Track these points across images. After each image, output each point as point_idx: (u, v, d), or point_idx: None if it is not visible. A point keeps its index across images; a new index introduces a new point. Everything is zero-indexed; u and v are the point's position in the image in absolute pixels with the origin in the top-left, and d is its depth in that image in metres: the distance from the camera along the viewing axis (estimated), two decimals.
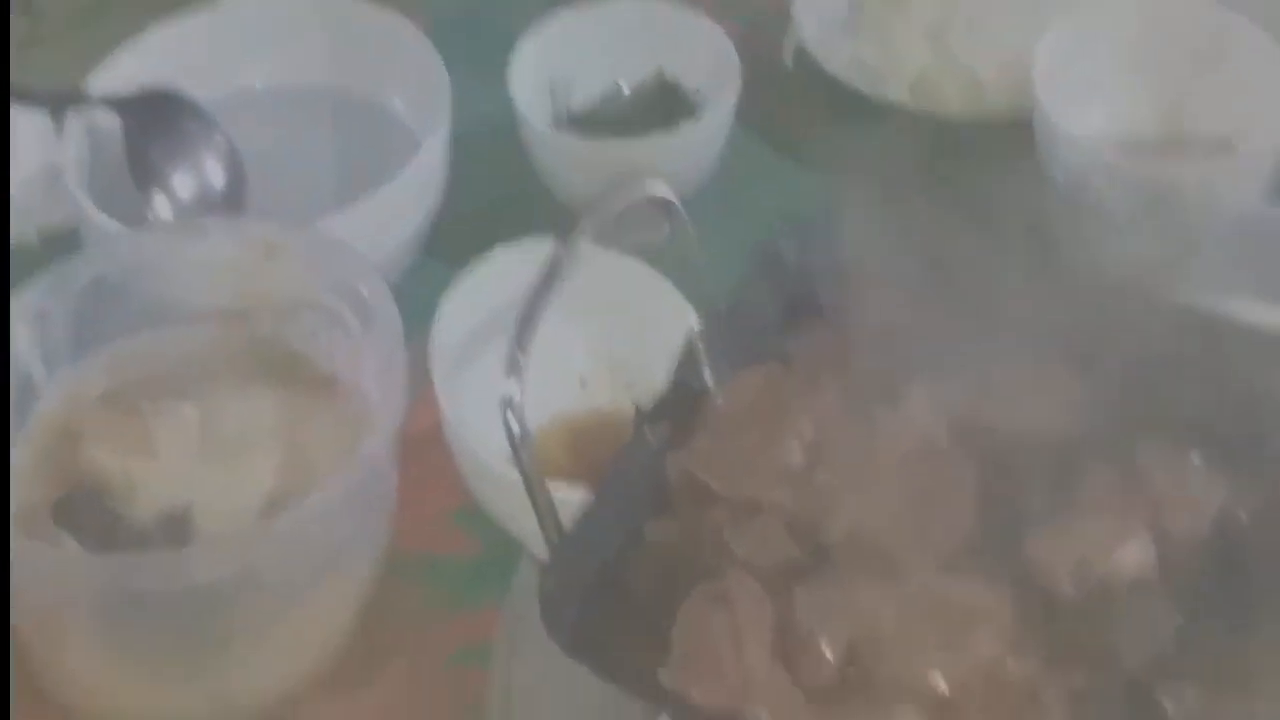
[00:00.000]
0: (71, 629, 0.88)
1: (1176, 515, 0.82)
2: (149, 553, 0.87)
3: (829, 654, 0.78)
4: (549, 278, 0.82)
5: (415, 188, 1.08)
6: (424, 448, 0.96)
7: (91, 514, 0.89)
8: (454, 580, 0.98)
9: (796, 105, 1.24)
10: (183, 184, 1.08)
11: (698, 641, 0.79)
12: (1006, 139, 1.15)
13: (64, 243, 1.08)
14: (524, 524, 0.84)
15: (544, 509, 0.82)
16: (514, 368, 0.80)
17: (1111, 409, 0.86)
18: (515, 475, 0.81)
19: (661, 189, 0.87)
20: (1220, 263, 0.93)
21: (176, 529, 0.90)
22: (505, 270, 0.98)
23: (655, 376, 0.91)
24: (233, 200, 1.10)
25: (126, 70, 1.14)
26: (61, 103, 1.09)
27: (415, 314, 0.96)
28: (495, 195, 1.17)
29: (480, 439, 0.91)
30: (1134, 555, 0.80)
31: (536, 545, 0.84)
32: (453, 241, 1.08)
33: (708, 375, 0.90)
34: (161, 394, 0.95)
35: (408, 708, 0.92)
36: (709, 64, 1.18)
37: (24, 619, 0.89)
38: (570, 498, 0.83)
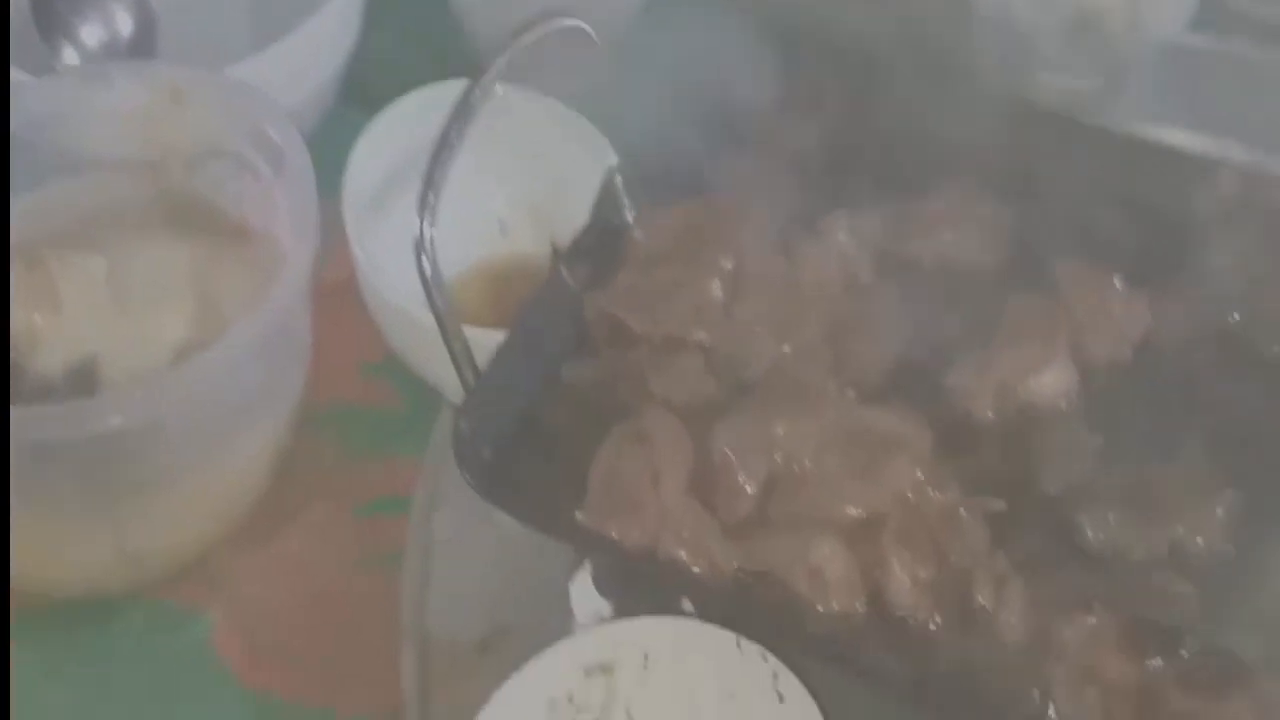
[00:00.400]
0: None
1: (1098, 340, 0.81)
2: (53, 403, 0.85)
3: (748, 487, 0.77)
4: (461, 115, 0.80)
5: (329, 32, 1.05)
6: (341, 300, 0.94)
7: None
8: (373, 432, 0.97)
9: None
10: (90, 33, 1.05)
11: (615, 480, 0.79)
12: None
13: None
14: (442, 372, 0.82)
15: (458, 351, 0.81)
16: (426, 206, 0.79)
17: (1035, 236, 0.85)
18: (430, 319, 0.80)
19: (575, 23, 0.85)
20: (1145, 91, 0.91)
21: (82, 381, 0.88)
22: (420, 115, 0.95)
23: (577, 220, 0.90)
24: (142, 49, 1.06)
25: None
26: None
27: (330, 164, 0.93)
28: (411, 40, 1.14)
29: (395, 285, 0.89)
30: (1055, 380, 0.80)
31: (455, 392, 0.83)
32: (368, 88, 1.05)
33: (627, 213, 0.89)
34: (68, 246, 0.92)
35: (324, 558, 0.91)
36: None
37: None
38: (486, 340, 0.82)
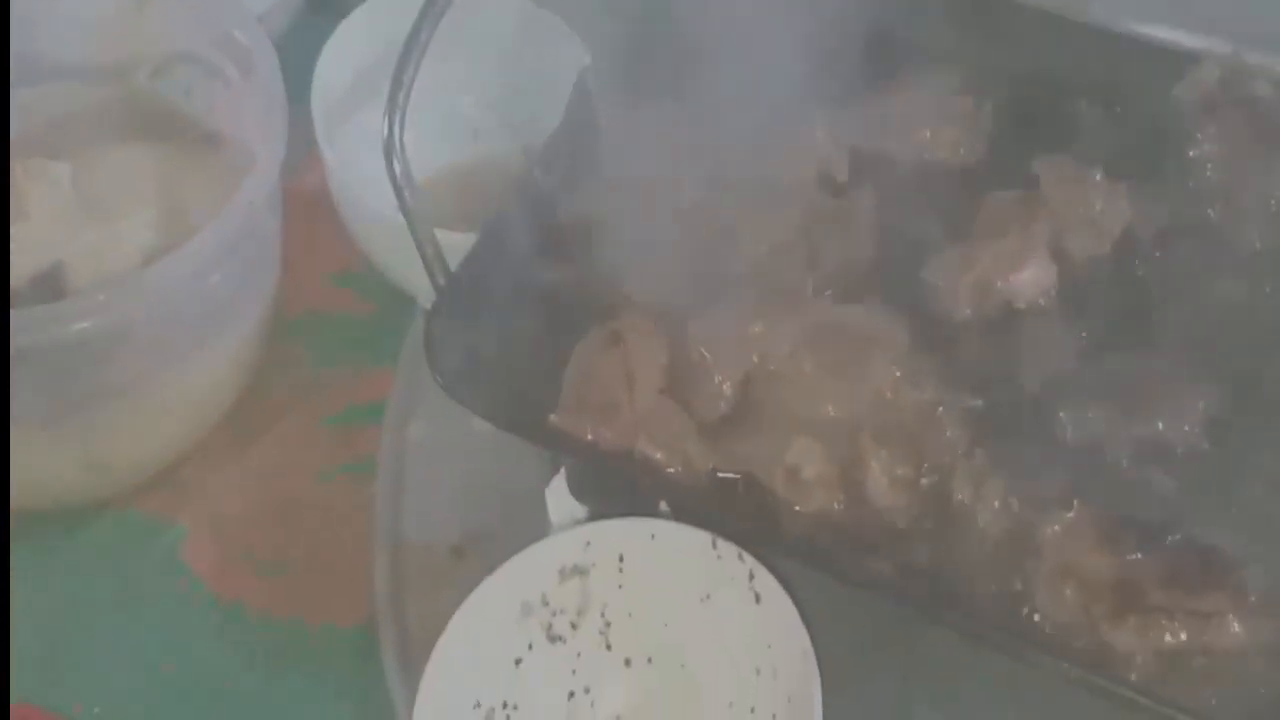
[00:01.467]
0: None
1: (1078, 235, 0.80)
2: (19, 309, 0.84)
3: (724, 387, 0.77)
4: (430, 15, 0.79)
5: None
6: (313, 210, 0.93)
7: None
8: (345, 341, 0.96)
9: None
10: None
11: (589, 382, 0.78)
12: None
13: None
14: (414, 277, 0.82)
15: (430, 254, 0.80)
16: (395, 108, 0.77)
17: (1015, 133, 0.85)
18: (401, 223, 0.79)
19: None
20: None
21: (49, 288, 0.87)
22: (389, 18, 0.93)
23: (549, 122, 0.89)
24: None
25: None
26: None
27: (299, 70, 0.92)
28: None
29: (366, 189, 0.88)
30: (1033, 276, 0.79)
31: (427, 297, 0.82)
32: None
33: (601, 115, 0.88)
34: (33, 153, 0.91)
35: (295, 467, 0.90)
36: None
37: None
38: (458, 243, 0.81)
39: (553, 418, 0.77)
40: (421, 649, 0.74)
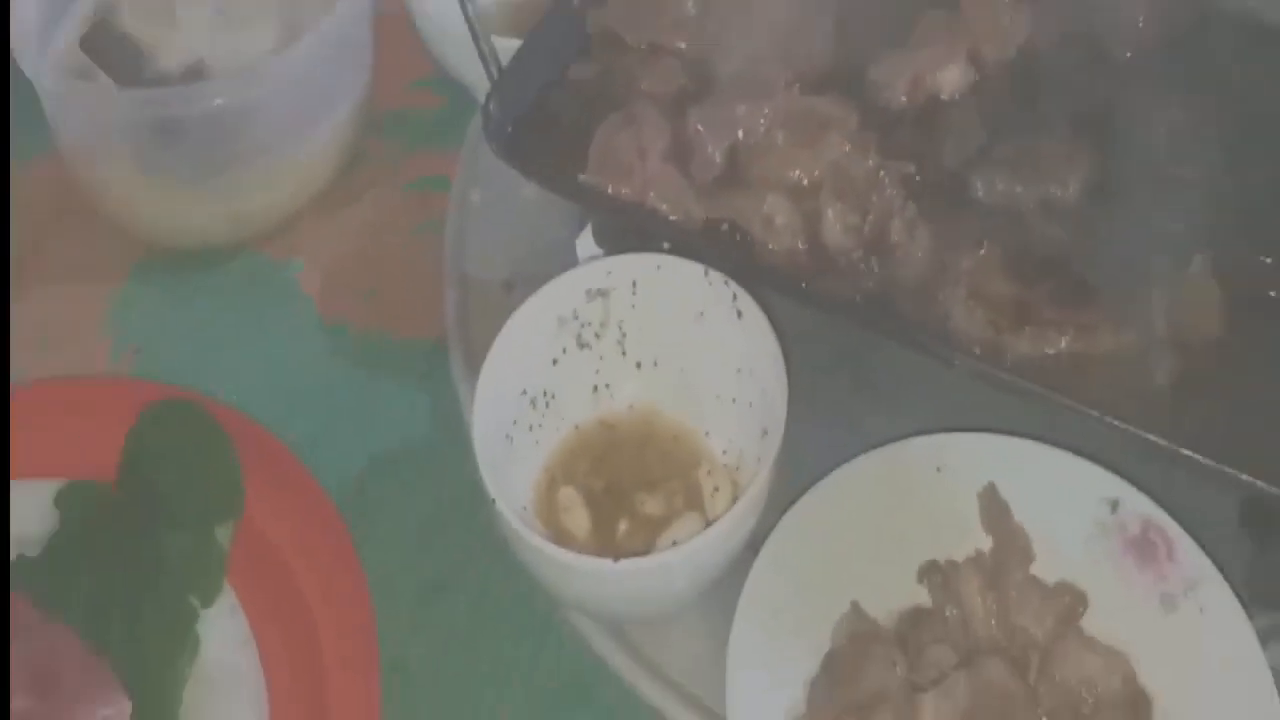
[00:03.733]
0: (110, 155, 0.80)
1: (990, 45, 0.74)
2: (173, 87, 0.79)
3: (715, 156, 0.71)
4: None
5: None
6: (397, 27, 0.85)
7: (119, 54, 0.80)
8: (421, 129, 0.89)
9: None
10: None
11: (610, 152, 0.72)
12: None
13: None
14: (475, 76, 0.75)
15: (487, 53, 0.73)
16: None
17: None
18: (466, 31, 0.73)
19: None
20: None
21: (193, 77, 0.81)
22: None
23: None
24: None
25: None
26: None
27: None
28: None
29: (439, 5, 0.81)
30: (955, 75, 0.73)
31: (485, 91, 0.75)
32: None
33: None
34: None
35: (383, 222, 0.85)
36: None
37: (70, 151, 0.81)
38: (508, 47, 0.75)
39: (582, 177, 0.71)
40: (480, 355, 0.69)
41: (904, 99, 0.73)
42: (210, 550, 0.68)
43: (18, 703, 0.60)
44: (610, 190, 0.71)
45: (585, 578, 0.62)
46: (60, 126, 0.80)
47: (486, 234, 0.82)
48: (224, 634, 0.67)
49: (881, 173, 0.70)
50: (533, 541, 0.61)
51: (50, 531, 0.70)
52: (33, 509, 0.71)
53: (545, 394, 0.71)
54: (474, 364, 0.72)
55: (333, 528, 0.70)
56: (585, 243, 0.75)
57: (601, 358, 0.72)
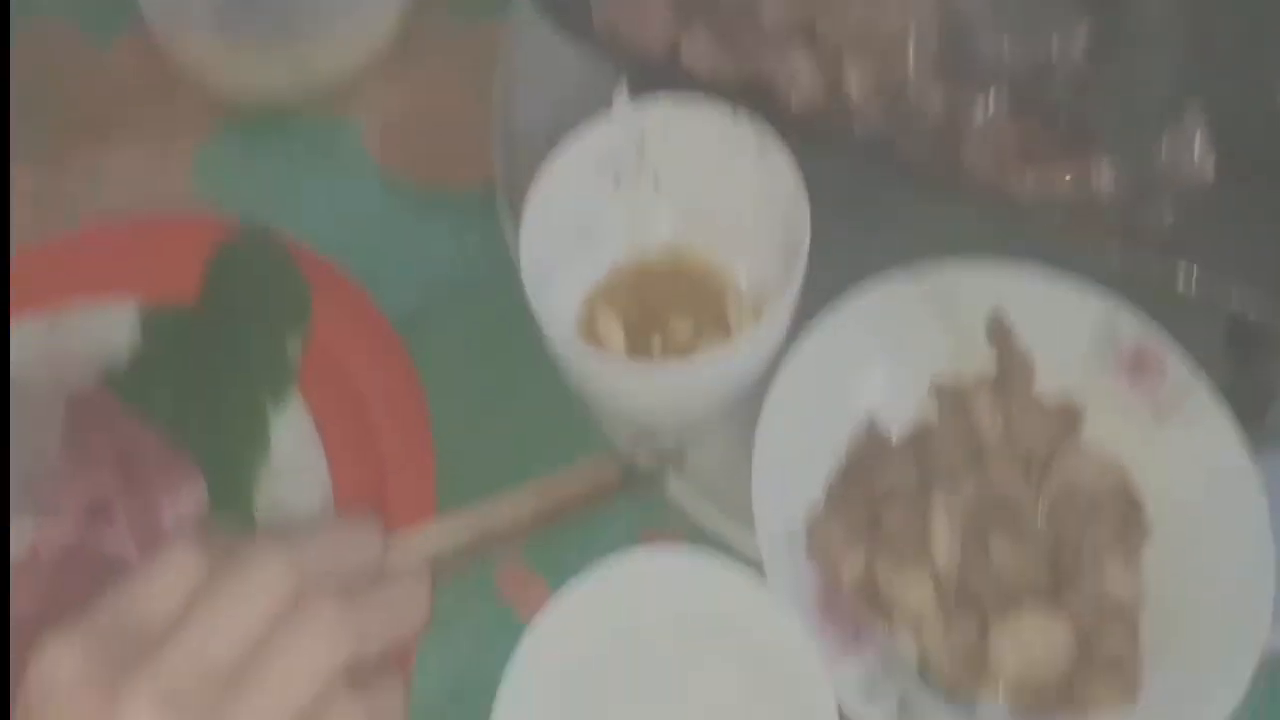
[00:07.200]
0: (193, 21, 0.81)
1: None
2: None
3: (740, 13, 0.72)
4: None
5: None
6: None
7: None
8: (473, 4, 0.90)
9: None
10: None
11: (647, 19, 0.72)
12: None
13: None
14: None
15: None
16: None
17: None
18: None
19: None
20: None
21: None
22: None
23: None
24: None
25: None
26: None
27: None
28: None
29: None
30: None
31: None
32: None
33: None
34: None
35: (439, 83, 0.86)
36: None
37: (155, 19, 0.82)
38: None
39: (604, 29, 0.72)
40: (524, 198, 0.70)
41: None
42: (283, 360, 0.71)
43: (106, 479, 0.63)
44: (639, 45, 0.72)
45: (627, 378, 0.64)
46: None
47: (532, 93, 0.84)
48: (295, 434, 0.70)
49: (901, 36, 0.70)
50: (579, 347, 0.63)
51: (136, 345, 0.72)
52: (122, 327, 0.73)
53: (585, 230, 0.72)
54: (519, 204, 0.74)
55: (391, 344, 0.73)
56: (622, 97, 0.76)
57: (636, 197, 0.74)
